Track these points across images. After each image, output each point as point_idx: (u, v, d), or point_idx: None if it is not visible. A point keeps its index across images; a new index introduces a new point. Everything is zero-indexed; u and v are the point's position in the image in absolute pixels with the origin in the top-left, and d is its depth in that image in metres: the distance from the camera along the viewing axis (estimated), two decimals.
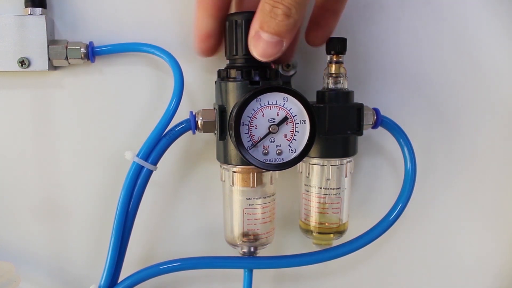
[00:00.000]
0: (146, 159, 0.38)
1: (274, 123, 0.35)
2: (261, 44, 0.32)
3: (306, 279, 0.48)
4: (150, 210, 0.44)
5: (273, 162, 0.35)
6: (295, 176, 0.42)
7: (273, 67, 0.39)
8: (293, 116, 0.35)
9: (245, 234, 0.39)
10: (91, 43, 0.40)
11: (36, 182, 0.43)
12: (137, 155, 0.38)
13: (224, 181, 0.39)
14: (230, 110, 0.36)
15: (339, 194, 0.40)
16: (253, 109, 0.34)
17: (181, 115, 0.39)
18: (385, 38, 0.44)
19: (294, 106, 0.35)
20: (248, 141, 0.35)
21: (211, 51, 0.38)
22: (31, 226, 0.43)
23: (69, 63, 0.39)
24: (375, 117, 0.40)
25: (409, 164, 0.42)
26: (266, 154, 0.35)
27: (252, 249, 0.40)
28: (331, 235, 0.41)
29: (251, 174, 0.37)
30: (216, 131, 0.37)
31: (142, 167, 0.38)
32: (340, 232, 0.41)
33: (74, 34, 0.40)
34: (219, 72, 0.37)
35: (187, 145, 0.43)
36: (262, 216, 0.39)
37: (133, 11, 0.41)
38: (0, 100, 0.41)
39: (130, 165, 0.38)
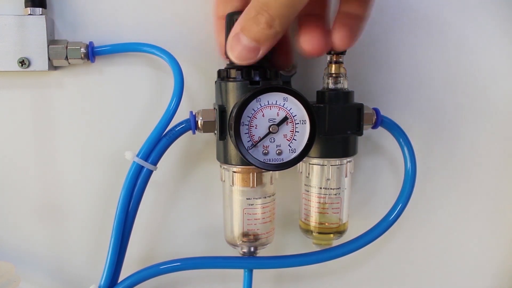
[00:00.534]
0: (146, 159, 0.38)
1: (274, 123, 0.35)
2: (239, 47, 0.32)
3: (306, 279, 0.48)
4: (150, 210, 0.44)
5: (273, 162, 0.35)
6: (295, 176, 0.42)
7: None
8: (293, 116, 0.35)
9: (245, 234, 0.39)
10: (91, 43, 0.40)
11: (36, 182, 0.43)
12: (137, 155, 0.38)
13: (224, 181, 0.39)
14: (230, 110, 0.35)
15: (339, 194, 0.40)
16: (253, 109, 0.34)
17: (181, 115, 0.39)
18: (385, 38, 0.44)
19: (294, 106, 0.35)
20: (248, 141, 0.35)
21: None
22: (31, 226, 0.43)
23: (69, 63, 0.39)
24: (375, 117, 0.40)
25: (409, 164, 0.42)
26: (266, 154, 0.35)
27: (252, 249, 0.40)
28: (331, 235, 0.41)
29: (251, 174, 0.37)
30: (216, 131, 0.37)
31: (142, 167, 0.38)
32: (340, 232, 0.41)
33: (74, 34, 0.40)
34: (219, 72, 0.37)
35: (187, 145, 0.43)
36: (262, 216, 0.39)
37: (133, 11, 0.41)
38: (0, 100, 0.41)
39: (130, 165, 0.38)
